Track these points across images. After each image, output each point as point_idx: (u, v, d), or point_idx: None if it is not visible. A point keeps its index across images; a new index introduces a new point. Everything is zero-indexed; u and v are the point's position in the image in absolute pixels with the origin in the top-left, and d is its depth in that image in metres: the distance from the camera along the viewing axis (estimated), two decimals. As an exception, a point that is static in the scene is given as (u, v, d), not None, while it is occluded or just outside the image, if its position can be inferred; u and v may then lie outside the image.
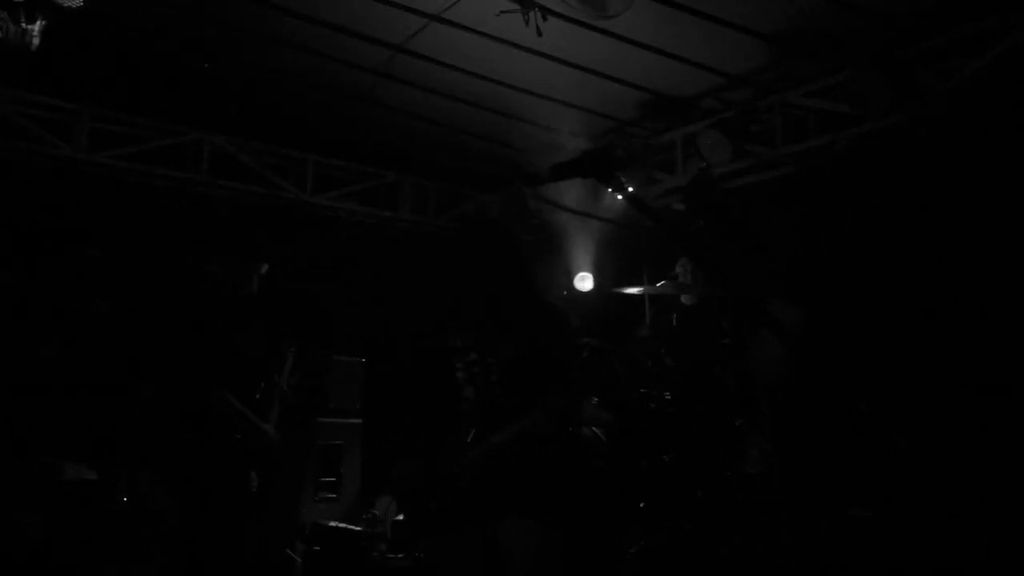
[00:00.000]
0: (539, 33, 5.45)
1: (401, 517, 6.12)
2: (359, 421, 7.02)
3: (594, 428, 5.61)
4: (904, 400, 4.28)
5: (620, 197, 6.95)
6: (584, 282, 6.81)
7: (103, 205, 6.74)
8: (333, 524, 5.84)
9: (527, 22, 5.39)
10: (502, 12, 5.34)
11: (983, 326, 4.68)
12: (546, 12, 5.34)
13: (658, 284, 5.36)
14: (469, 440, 3.34)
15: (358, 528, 5.76)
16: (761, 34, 5.64)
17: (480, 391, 3.43)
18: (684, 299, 5.71)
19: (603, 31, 5.65)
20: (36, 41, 4.82)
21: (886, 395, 4.18)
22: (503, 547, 3.32)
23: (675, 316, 4.97)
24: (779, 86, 6.23)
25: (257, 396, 4.61)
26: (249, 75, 6.67)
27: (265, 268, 4.77)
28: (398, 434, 3.81)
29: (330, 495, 6.75)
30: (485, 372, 3.44)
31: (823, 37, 5.63)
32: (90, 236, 6.52)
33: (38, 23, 4.79)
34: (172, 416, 4.52)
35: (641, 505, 5.23)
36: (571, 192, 7.52)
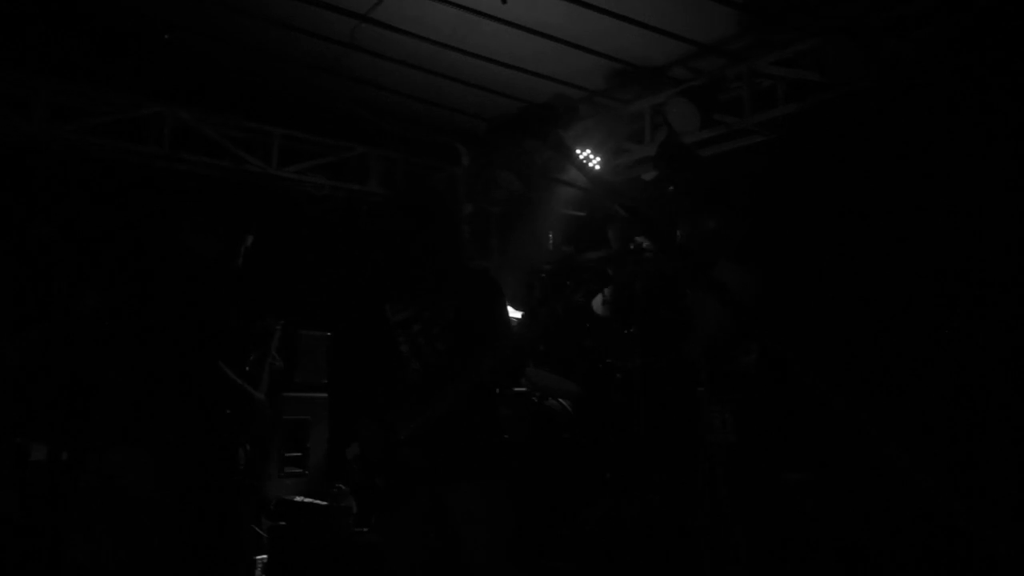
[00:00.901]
0: (503, 0, 5.38)
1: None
2: (325, 395, 6.98)
3: (560, 399, 5.59)
4: (849, 369, 4.27)
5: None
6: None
7: (66, 182, 6.63)
8: (299, 499, 5.80)
9: (492, -11, 5.31)
10: (466, -22, 5.27)
11: (931, 301, 4.67)
12: (511, -21, 5.26)
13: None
14: (414, 412, 3.32)
15: (324, 503, 5.72)
16: (730, 1, 5.57)
17: (426, 362, 3.42)
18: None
19: (570, -1, 5.57)
20: None
21: (834, 366, 4.15)
22: (453, 513, 3.31)
23: (640, 284, 4.92)
24: (748, 54, 6.17)
25: (247, 368, 4.54)
26: (212, 47, 6.55)
27: (251, 240, 4.68)
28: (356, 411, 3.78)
29: (296, 470, 6.72)
30: (431, 343, 3.43)
31: (793, 4, 5.58)
32: (54, 215, 6.42)
33: None
34: (152, 394, 4.44)
35: (607, 476, 5.21)
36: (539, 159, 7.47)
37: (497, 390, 3.70)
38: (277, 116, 7.46)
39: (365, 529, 5.58)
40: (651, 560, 4.41)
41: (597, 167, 6.93)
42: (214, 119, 7.18)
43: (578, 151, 7.00)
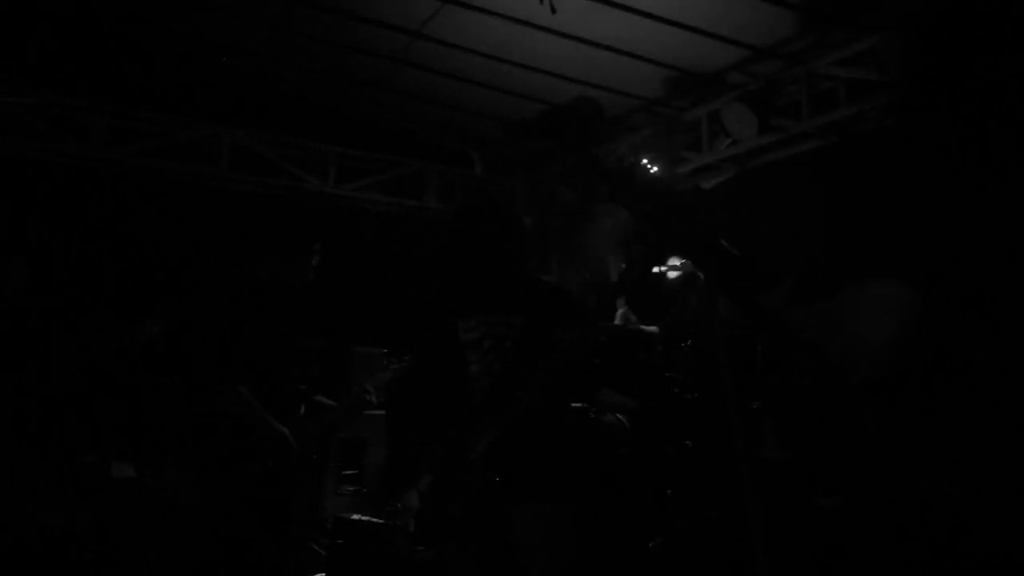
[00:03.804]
0: (553, 10, 5.30)
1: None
2: (382, 413, 6.94)
3: (617, 415, 5.47)
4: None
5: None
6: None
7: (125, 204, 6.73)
8: (355, 517, 5.75)
9: (541, 0, 5.25)
10: (514, -11, 5.22)
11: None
12: (560, -11, 5.19)
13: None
14: (484, 430, 3.24)
15: (381, 521, 5.66)
16: (787, 2, 5.42)
17: (496, 380, 3.32)
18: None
19: (622, 6, 5.47)
20: None
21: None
22: (516, 533, 3.22)
23: (696, 297, 4.79)
24: (806, 56, 5.99)
25: (295, 392, 4.47)
26: (267, 68, 6.63)
27: (317, 258, 4.58)
28: (418, 435, 3.71)
29: (353, 488, 6.70)
30: (502, 359, 3.33)
31: (851, 1, 5.40)
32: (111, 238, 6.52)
33: None
34: (194, 412, 4.44)
35: (668, 493, 5.08)
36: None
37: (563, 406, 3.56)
38: (333, 134, 7.50)
39: (423, 547, 5.51)
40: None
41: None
42: (270, 139, 7.24)
43: (635, 160, 6.90)
